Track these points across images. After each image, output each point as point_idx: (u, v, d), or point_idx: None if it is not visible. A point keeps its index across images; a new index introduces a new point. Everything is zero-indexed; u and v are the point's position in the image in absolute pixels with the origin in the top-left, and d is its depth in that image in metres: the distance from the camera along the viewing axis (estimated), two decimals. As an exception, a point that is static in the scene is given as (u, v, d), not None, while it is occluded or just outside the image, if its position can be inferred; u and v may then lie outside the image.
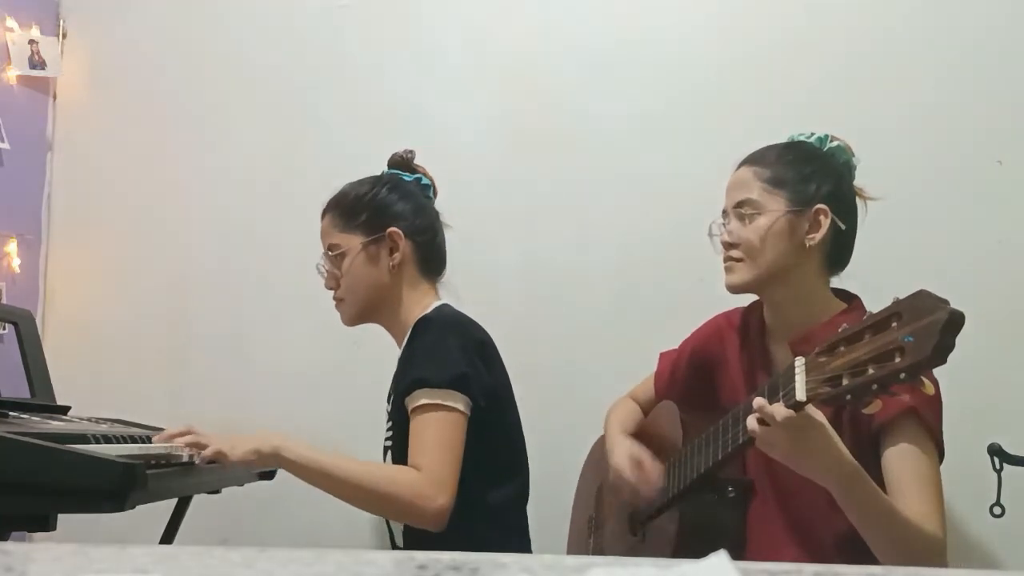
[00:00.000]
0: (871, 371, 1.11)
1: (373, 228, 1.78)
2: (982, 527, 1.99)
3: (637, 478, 1.61)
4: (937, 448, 1.47)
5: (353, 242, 1.77)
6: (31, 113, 2.58)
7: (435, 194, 1.91)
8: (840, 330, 1.18)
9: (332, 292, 1.82)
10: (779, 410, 1.24)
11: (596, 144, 2.35)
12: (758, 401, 1.27)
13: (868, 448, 1.46)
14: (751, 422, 1.29)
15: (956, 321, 1.05)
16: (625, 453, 1.66)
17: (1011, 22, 2.15)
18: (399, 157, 1.89)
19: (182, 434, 1.58)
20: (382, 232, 1.77)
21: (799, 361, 1.23)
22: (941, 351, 1.05)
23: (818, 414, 1.28)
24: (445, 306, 1.79)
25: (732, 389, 1.66)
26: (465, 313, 1.79)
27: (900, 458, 1.43)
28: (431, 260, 1.83)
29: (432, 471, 1.56)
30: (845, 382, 1.15)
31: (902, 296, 1.12)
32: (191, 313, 2.53)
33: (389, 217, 1.78)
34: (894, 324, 1.10)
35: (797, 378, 1.22)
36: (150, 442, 1.61)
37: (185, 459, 1.56)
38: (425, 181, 1.89)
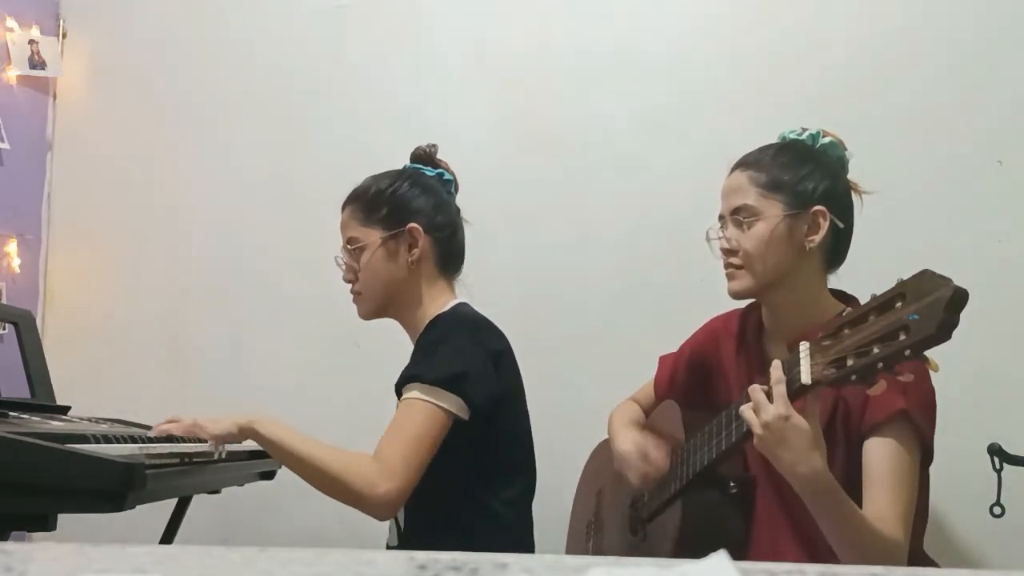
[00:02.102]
0: (876, 350, 1.13)
1: (393, 223, 1.76)
2: (982, 527, 1.99)
3: (644, 462, 1.62)
4: (923, 451, 1.47)
5: (372, 236, 1.76)
6: (31, 113, 2.58)
7: (456, 189, 1.89)
8: (844, 313, 1.19)
9: (350, 286, 1.81)
10: (779, 393, 1.26)
11: (596, 145, 2.35)
12: (775, 376, 1.29)
13: (859, 449, 1.46)
14: (745, 409, 1.31)
15: (960, 297, 1.07)
16: (631, 441, 1.67)
17: (1011, 22, 2.15)
18: (422, 151, 1.87)
19: (168, 421, 1.64)
20: (402, 227, 1.75)
21: (803, 345, 1.25)
22: (946, 327, 1.06)
23: (804, 422, 1.28)
24: (462, 305, 1.78)
25: (728, 391, 1.66)
26: (483, 315, 1.78)
27: (880, 452, 1.43)
28: (449, 257, 1.82)
29: (385, 459, 1.55)
30: (850, 363, 1.16)
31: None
32: (191, 313, 2.53)
33: (409, 212, 1.77)
34: (898, 304, 1.11)
35: (802, 362, 1.23)
36: (150, 442, 1.61)
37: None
38: (447, 176, 1.87)
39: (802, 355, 1.24)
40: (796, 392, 1.26)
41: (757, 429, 1.30)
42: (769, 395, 1.29)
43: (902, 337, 1.09)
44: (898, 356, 1.11)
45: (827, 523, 1.36)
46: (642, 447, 1.65)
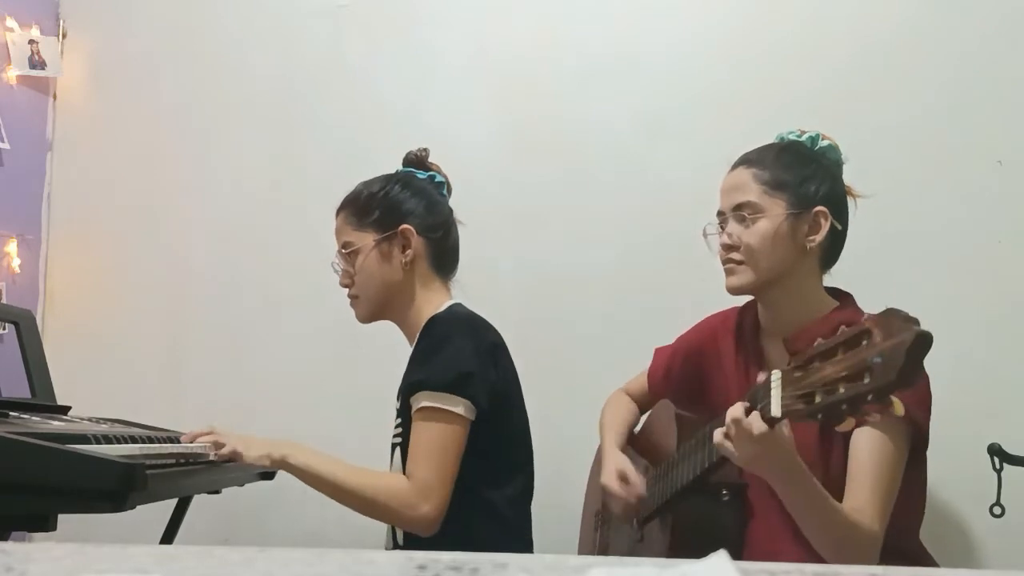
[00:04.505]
0: (842, 390, 1.10)
1: (386, 225, 1.78)
2: (982, 527, 1.99)
3: (625, 492, 1.65)
4: (918, 439, 1.48)
5: (366, 240, 1.78)
6: (31, 113, 2.58)
7: (449, 192, 1.91)
8: (816, 344, 1.17)
9: (347, 290, 1.82)
10: (755, 422, 1.25)
11: (597, 145, 2.35)
12: (734, 413, 1.28)
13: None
14: (718, 436, 1.30)
15: (922, 343, 1.02)
16: (612, 471, 1.70)
17: (1011, 23, 2.14)
18: (413, 155, 1.89)
19: (205, 434, 1.64)
20: (394, 229, 1.77)
21: (775, 375, 1.23)
22: (907, 374, 1.03)
23: (776, 440, 1.28)
24: (457, 305, 1.79)
25: (725, 388, 1.67)
26: (478, 313, 1.79)
27: (865, 444, 1.44)
28: (444, 258, 1.83)
29: (419, 480, 1.61)
30: (818, 399, 1.14)
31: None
32: (191, 313, 2.53)
33: (401, 214, 1.79)
34: (864, 343, 1.08)
35: (773, 393, 1.22)
36: (150, 442, 1.61)
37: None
38: (439, 179, 1.89)
39: (773, 385, 1.22)
40: (766, 423, 1.25)
41: (739, 462, 1.32)
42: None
43: (866, 380, 1.06)
44: (861, 399, 1.08)
45: (800, 510, 1.38)
46: (622, 474, 1.67)
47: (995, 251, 2.10)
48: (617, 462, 1.71)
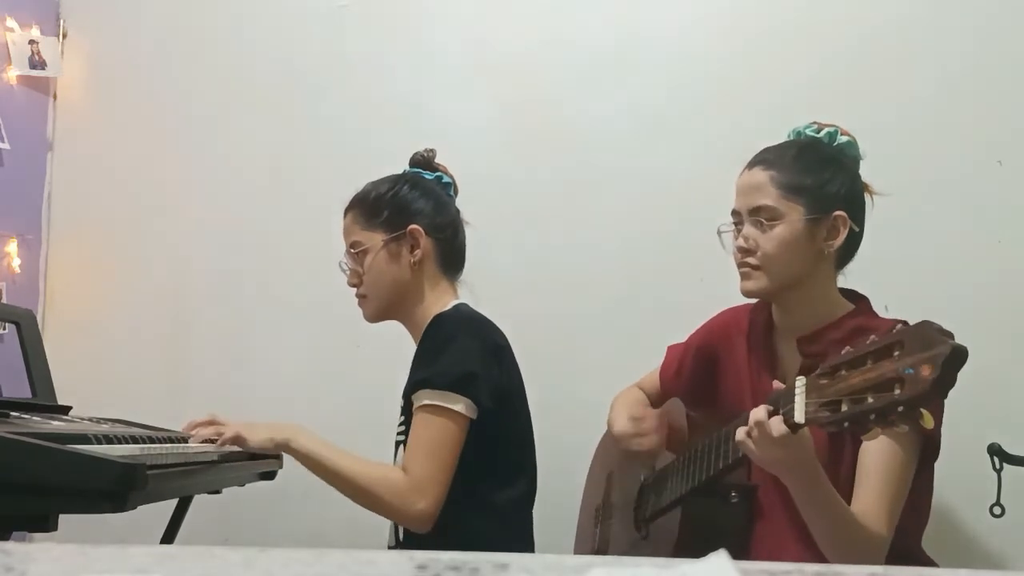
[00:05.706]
0: (870, 400, 1.09)
1: (394, 225, 1.79)
2: (982, 527, 1.99)
3: (639, 428, 1.67)
4: (928, 447, 1.48)
5: (375, 239, 1.79)
6: (31, 113, 2.58)
7: (456, 192, 1.92)
8: (843, 352, 1.16)
9: (353, 289, 1.83)
10: (777, 426, 1.25)
11: (597, 143, 2.35)
12: (757, 415, 1.28)
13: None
14: (740, 434, 1.30)
15: (958, 357, 1.02)
16: (621, 416, 1.72)
17: (1012, 22, 2.14)
18: (420, 156, 1.90)
19: (206, 423, 1.66)
20: (403, 229, 1.78)
21: (800, 381, 1.22)
22: (941, 387, 1.03)
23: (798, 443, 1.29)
24: (462, 305, 1.80)
25: (737, 387, 1.66)
26: (483, 313, 1.79)
27: (875, 447, 1.44)
28: (451, 258, 1.85)
29: (416, 476, 1.62)
30: (844, 408, 1.14)
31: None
32: (191, 313, 2.53)
33: (410, 214, 1.80)
34: (896, 353, 1.07)
35: (797, 399, 1.22)
36: (151, 442, 1.61)
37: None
38: (446, 179, 1.90)
39: (797, 391, 1.22)
40: (788, 428, 1.26)
41: (758, 461, 1.33)
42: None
43: (896, 391, 1.06)
44: (891, 409, 1.07)
45: (812, 510, 1.38)
46: (634, 417, 1.69)
47: (995, 251, 2.10)
48: (626, 415, 1.71)
